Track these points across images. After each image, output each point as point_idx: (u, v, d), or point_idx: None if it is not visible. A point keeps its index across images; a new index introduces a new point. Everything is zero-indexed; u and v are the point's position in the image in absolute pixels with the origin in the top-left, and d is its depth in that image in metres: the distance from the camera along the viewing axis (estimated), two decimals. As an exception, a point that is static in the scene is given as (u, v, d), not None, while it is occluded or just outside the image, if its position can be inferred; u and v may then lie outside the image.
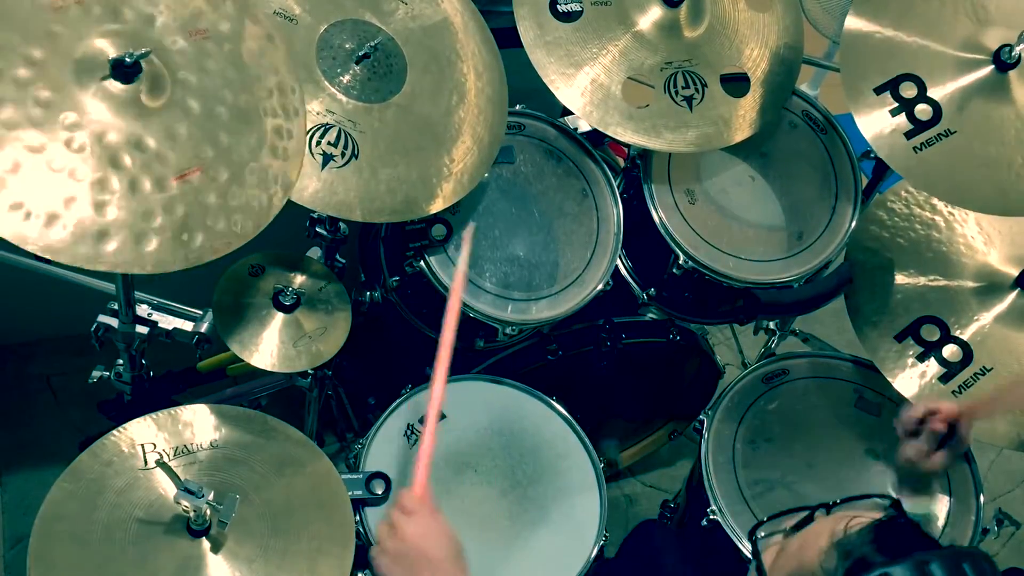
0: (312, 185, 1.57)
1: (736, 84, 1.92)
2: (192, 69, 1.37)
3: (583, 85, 1.81)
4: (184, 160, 1.32)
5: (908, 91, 1.73)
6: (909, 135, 1.72)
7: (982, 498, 1.85)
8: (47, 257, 1.21)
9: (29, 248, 1.21)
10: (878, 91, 1.73)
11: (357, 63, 1.66)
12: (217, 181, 1.35)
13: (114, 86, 1.29)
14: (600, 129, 1.83)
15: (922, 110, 1.73)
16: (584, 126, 2.00)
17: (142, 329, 1.68)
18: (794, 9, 2.02)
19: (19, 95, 1.23)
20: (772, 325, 2.29)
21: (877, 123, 1.72)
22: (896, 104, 1.72)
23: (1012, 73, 1.74)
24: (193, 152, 1.34)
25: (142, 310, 1.70)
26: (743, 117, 1.91)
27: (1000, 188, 1.72)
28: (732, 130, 1.90)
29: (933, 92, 1.73)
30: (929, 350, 1.80)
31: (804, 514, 1.11)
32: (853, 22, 1.75)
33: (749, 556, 1.73)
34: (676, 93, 1.86)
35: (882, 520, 1.02)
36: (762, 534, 1.12)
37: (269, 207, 1.40)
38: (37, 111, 1.24)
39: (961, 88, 1.74)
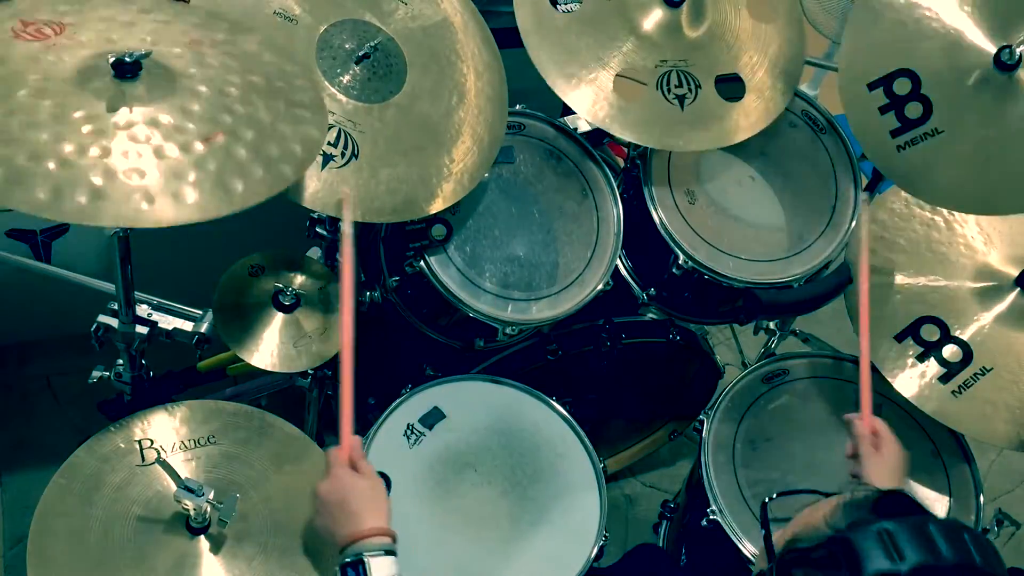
0: (312, 185, 1.57)
1: (730, 86, 1.92)
2: (192, 65, 1.38)
3: (576, 77, 1.81)
4: (205, 128, 1.32)
5: (902, 88, 1.74)
6: (895, 133, 1.74)
7: (982, 498, 1.85)
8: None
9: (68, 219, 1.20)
10: (871, 87, 1.74)
11: (357, 63, 1.66)
12: (243, 140, 1.33)
13: (123, 84, 1.29)
14: (589, 120, 1.84)
15: (913, 108, 1.74)
16: (584, 126, 2.00)
17: (142, 329, 1.68)
18: (797, 23, 2.02)
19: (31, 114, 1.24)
20: (772, 325, 2.29)
21: (867, 120, 1.75)
22: (887, 101, 1.73)
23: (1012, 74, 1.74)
24: (213, 120, 1.33)
25: (142, 310, 1.70)
26: (735, 122, 1.91)
27: (986, 187, 1.75)
28: (722, 134, 1.90)
29: (927, 90, 1.74)
30: (929, 350, 1.80)
31: (814, 498, 1.13)
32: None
33: (749, 556, 1.74)
34: (668, 91, 1.86)
35: (886, 492, 1.05)
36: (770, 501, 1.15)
37: (307, 154, 1.39)
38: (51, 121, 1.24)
39: (958, 87, 1.74)
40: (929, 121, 1.73)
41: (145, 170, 1.25)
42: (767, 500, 1.15)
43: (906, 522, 0.97)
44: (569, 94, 1.81)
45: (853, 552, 0.94)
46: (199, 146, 1.29)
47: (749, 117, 1.92)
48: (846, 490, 1.51)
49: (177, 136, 1.29)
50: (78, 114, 1.25)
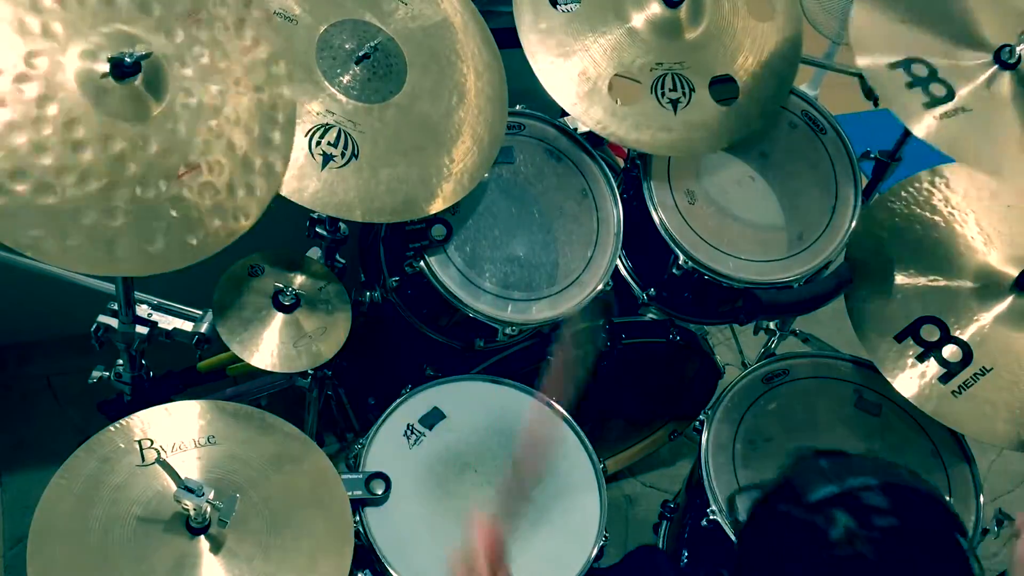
0: (312, 185, 1.57)
1: (723, 87, 1.91)
2: (184, 61, 1.37)
3: (571, 75, 1.81)
4: (183, 156, 1.32)
5: (920, 71, 1.77)
6: (928, 106, 1.75)
7: (982, 498, 1.85)
8: (63, 267, 1.21)
9: (44, 260, 1.21)
10: (891, 67, 1.76)
11: (357, 63, 1.67)
12: (216, 172, 1.34)
13: (112, 87, 1.29)
14: (582, 121, 1.84)
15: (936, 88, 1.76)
16: (584, 126, 2.00)
17: (142, 329, 1.68)
18: (795, 22, 2.01)
19: (23, 105, 1.23)
20: (772, 325, 2.29)
21: (897, 92, 1.76)
22: (911, 79, 1.75)
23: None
24: (190, 147, 1.33)
25: (142, 310, 1.70)
26: (725, 127, 1.91)
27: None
28: (712, 138, 1.90)
29: (944, 76, 1.76)
30: (929, 350, 1.80)
31: None
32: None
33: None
34: (663, 95, 1.86)
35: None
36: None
37: (268, 190, 1.40)
38: (38, 119, 1.24)
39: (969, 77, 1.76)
40: (954, 100, 1.74)
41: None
42: (735, 492, 1.20)
43: (844, 458, 1.09)
44: (563, 94, 1.81)
45: (795, 486, 1.05)
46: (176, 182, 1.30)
47: (741, 119, 1.92)
48: None
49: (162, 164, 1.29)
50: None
